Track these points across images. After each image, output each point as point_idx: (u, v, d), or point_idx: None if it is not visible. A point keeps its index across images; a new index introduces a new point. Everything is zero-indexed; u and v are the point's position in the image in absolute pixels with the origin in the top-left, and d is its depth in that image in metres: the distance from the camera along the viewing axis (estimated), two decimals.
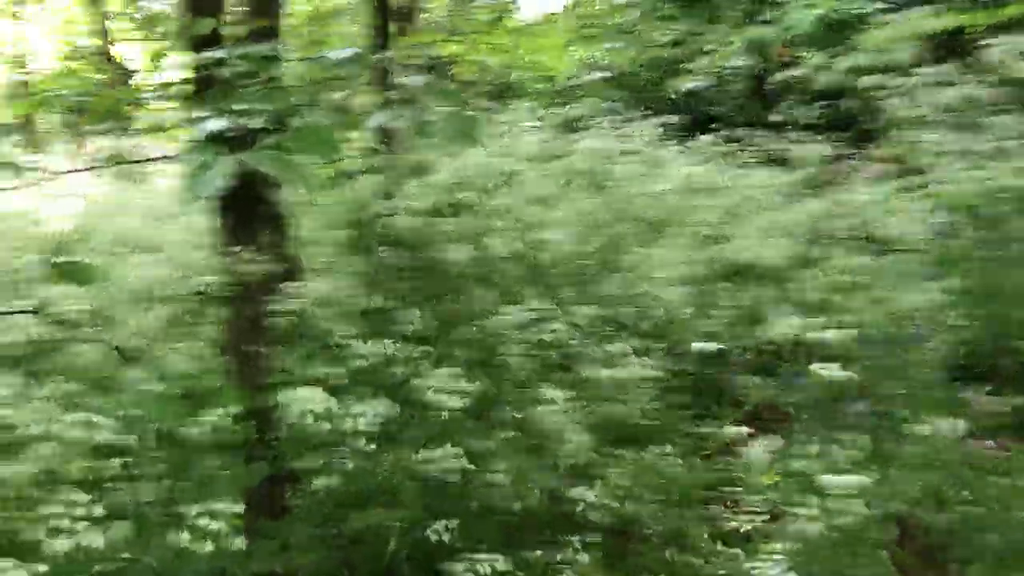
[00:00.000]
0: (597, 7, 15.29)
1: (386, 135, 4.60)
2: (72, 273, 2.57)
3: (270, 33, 3.89)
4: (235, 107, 2.14)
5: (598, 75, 13.09)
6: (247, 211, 2.99)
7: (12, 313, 2.81)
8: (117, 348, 2.84)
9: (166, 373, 2.45)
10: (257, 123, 2.11)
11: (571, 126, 8.27)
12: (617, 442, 3.15)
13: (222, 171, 1.98)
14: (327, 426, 2.50)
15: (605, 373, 3.04)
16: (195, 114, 2.16)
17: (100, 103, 2.99)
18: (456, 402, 2.71)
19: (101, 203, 6.57)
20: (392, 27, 6.51)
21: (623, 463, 3.04)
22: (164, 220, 5.81)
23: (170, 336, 3.28)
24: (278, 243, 4.16)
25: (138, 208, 6.21)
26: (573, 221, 5.05)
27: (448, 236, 3.94)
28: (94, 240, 5.06)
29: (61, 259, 2.59)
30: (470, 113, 2.26)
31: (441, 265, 3.89)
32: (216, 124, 2.12)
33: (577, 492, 2.78)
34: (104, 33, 10.59)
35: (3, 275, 3.18)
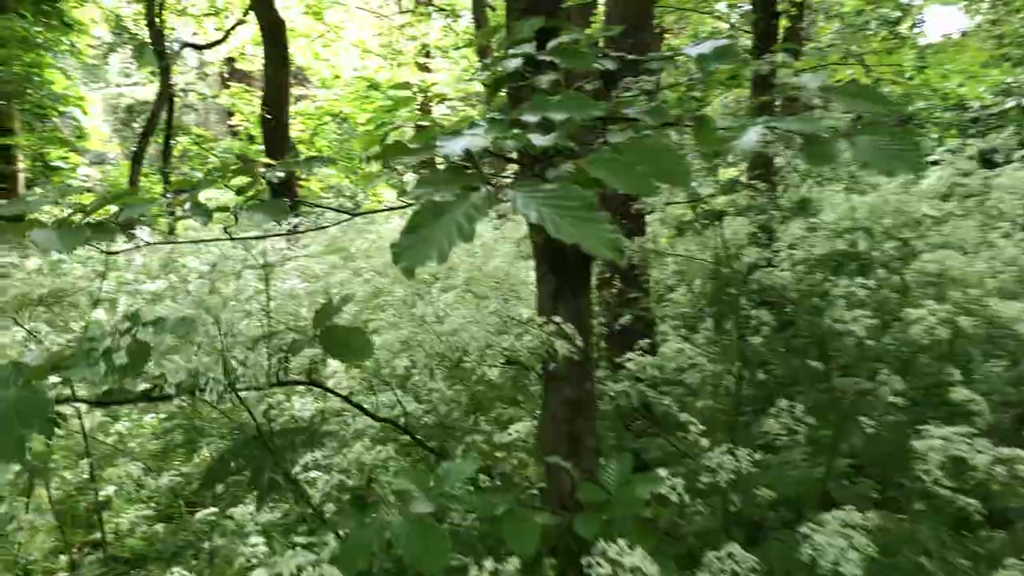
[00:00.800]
0: (1019, 23, 13.03)
1: (762, 164, 3.69)
2: (339, 346, 1.99)
3: (641, 37, 3.15)
4: (519, 117, 1.35)
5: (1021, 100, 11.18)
6: (569, 270, 2.26)
7: (286, 384, 2.29)
8: (402, 430, 2.22)
9: (444, 486, 1.77)
10: (546, 140, 1.30)
11: (989, 160, 6.87)
12: None
13: (459, 219, 1.16)
14: None
15: None
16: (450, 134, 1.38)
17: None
18: (855, 570, 1.75)
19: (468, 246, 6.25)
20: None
21: None
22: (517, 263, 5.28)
23: (478, 417, 2.66)
24: (621, 303, 3.43)
25: (496, 250, 5.77)
26: (1005, 276, 3.82)
27: (842, 297, 2.95)
28: (442, 283, 4.62)
29: (330, 326, 2.02)
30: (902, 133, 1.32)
31: (832, 335, 2.90)
32: (468, 143, 1.31)
33: None
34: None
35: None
